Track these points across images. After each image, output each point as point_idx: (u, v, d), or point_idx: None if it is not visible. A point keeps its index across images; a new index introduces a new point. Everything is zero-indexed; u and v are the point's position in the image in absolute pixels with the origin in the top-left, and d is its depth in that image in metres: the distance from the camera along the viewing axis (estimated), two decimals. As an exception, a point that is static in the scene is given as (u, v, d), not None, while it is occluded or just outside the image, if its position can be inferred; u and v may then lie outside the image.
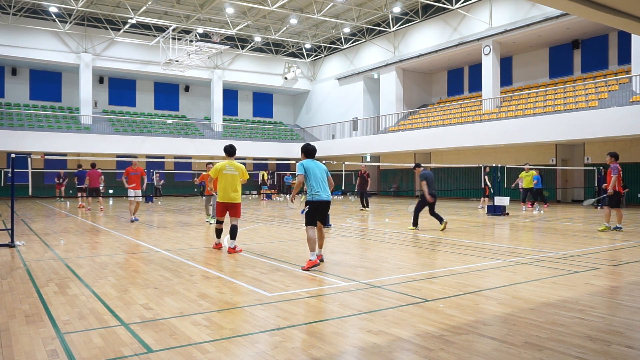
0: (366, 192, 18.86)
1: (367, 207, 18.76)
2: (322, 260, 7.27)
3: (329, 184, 7.18)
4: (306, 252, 8.60)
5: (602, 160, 22.28)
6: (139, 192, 14.17)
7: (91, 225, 13.05)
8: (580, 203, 21.78)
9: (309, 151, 7.31)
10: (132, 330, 4.12)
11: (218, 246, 8.69)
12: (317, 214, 7.07)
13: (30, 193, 11.84)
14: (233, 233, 8.29)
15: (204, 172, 14.22)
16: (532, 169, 19.12)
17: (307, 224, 7.02)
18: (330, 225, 12.65)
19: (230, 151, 8.52)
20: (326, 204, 7.14)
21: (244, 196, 32.55)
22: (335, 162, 16.06)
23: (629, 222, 14.07)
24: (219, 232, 8.68)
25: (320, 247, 7.29)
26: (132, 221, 13.88)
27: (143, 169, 14.44)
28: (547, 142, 22.15)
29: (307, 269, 6.73)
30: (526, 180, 18.68)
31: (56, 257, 7.86)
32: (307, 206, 7.00)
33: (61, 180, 25.51)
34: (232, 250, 8.19)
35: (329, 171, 7.37)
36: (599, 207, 19.78)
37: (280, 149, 35.21)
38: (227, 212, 8.42)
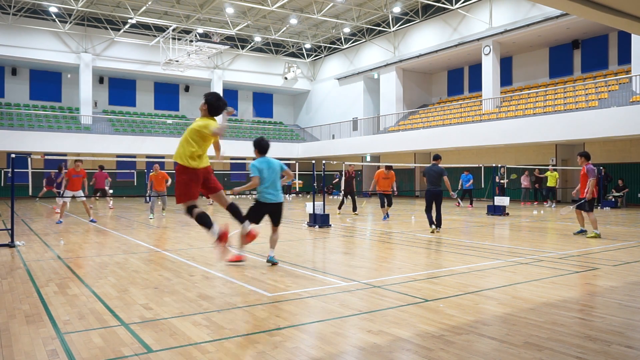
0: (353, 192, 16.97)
1: (355, 210, 16.81)
2: (274, 263, 6.92)
3: (287, 176, 7.15)
4: (306, 253, 8.62)
5: (602, 160, 22.32)
6: (81, 193, 13.61)
7: (91, 225, 13.04)
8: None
9: (262, 147, 6.93)
10: (132, 330, 4.12)
11: (224, 238, 5.67)
12: (262, 214, 6.87)
13: (30, 193, 11.84)
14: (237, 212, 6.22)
15: (152, 173, 15.15)
16: (555, 170, 21.20)
17: (246, 218, 6.32)
18: (330, 225, 12.65)
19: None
20: (275, 207, 6.79)
21: (244, 196, 32.54)
22: (335, 162, 16.02)
23: (629, 222, 14.06)
24: (205, 217, 5.68)
25: (273, 247, 7.08)
26: (58, 222, 13.30)
27: (85, 172, 13.86)
28: (547, 142, 22.16)
29: (230, 261, 6.76)
30: (550, 179, 20.64)
31: (56, 257, 7.85)
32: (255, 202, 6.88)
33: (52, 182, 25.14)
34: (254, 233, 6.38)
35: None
36: (598, 207, 19.84)
37: (280, 149, 35.19)
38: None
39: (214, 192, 5.91)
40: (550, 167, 20.98)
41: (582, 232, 10.65)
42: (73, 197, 13.48)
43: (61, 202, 14.03)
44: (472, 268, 6.91)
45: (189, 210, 5.64)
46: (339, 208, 16.98)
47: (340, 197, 17.11)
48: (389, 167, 14.68)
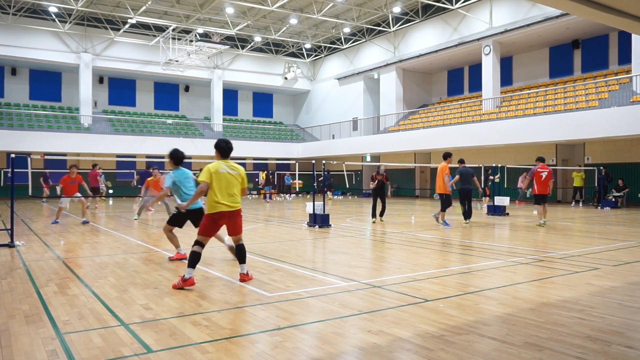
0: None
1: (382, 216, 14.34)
2: (182, 261, 7.52)
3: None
4: (306, 253, 8.62)
5: (602, 160, 22.33)
6: (78, 194, 13.66)
7: (91, 226, 13.04)
8: (579, 204, 21.80)
9: (178, 159, 7.54)
10: (132, 330, 4.12)
11: (188, 283, 5.62)
12: (184, 220, 7.48)
13: (30, 193, 11.85)
14: (242, 254, 6.04)
15: (151, 178, 14.61)
16: (582, 170, 21.53)
17: (168, 222, 7.56)
18: (330, 225, 12.65)
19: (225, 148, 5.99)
20: (193, 213, 7.30)
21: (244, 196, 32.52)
22: (335, 162, 15.99)
23: (629, 222, 14.06)
24: (196, 258, 5.70)
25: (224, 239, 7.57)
26: (54, 223, 13.28)
27: (81, 177, 13.80)
28: (547, 142, 22.15)
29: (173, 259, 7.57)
30: (576, 179, 21.14)
31: (56, 257, 7.85)
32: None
33: (48, 181, 25.30)
34: (245, 277, 6.02)
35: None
36: (598, 207, 19.87)
37: (280, 149, 35.22)
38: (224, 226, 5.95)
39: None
40: (577, 167, 21.74)
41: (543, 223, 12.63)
42: (74, 196, 13.55)
43: (62, 205, 13.96)
44: (472, 268, 6.90)
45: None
46: (375, 215, 13.95)
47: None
48: (448, 155, 12.87)
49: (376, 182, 13.71)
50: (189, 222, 7.50)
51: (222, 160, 5.91)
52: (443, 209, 12.75)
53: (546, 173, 12.93)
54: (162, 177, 15.09)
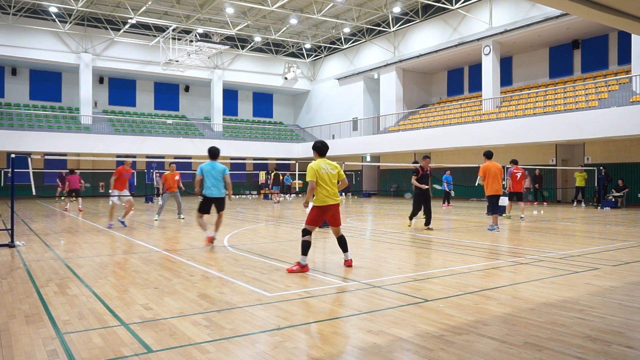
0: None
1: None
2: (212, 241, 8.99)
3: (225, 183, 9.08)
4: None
5: (602, 160, 22.33)
6: (127, 192, 12.67)
7: (91, 226, 13.04)
8: (580, 204, 21.81)
9: (212, 153, 9.51)
10: (132, 330, 4.12)
11: (305, 269, 6.56)
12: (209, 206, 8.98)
13: (34, 192, 11.82)
14: (344, 244, 6.96)
15: (166, 172, 14.97)
16: (584, 170, 21.41)
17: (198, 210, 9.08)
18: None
19: (322, 149, 6.99)
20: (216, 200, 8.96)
21: (244, 196, 32.55)
22: (335, 162, 15.98)
23: (629, 222, 14.05)
24: (307, 246, 6.63)
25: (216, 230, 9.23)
26: (117, 223, 12.63)
27: (132, 170, 13.19)
28: (547, 142, 22.16)
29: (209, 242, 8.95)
30: (579, 179, 21.01)
31: (56, 257, 7.86)
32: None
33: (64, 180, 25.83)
34: (350, 263, 6.91)
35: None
36: (598, 207, 19.87)
37: (280, 149, 35.23)
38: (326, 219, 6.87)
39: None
40: (578, 167, 21.83)
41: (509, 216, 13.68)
42: (121, 196, 12.50)
43: (110, 203, 12.84)
44: (472, 268, 6.91)
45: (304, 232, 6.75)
46: (411, 218, 12.51)
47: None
48: (489, 154, 11.83)
49: (422, 178, 11.64)
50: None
51: (321, 159, 6.89)
52: (500, 212, 12.39)
53: (520, 174, 14.47)
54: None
